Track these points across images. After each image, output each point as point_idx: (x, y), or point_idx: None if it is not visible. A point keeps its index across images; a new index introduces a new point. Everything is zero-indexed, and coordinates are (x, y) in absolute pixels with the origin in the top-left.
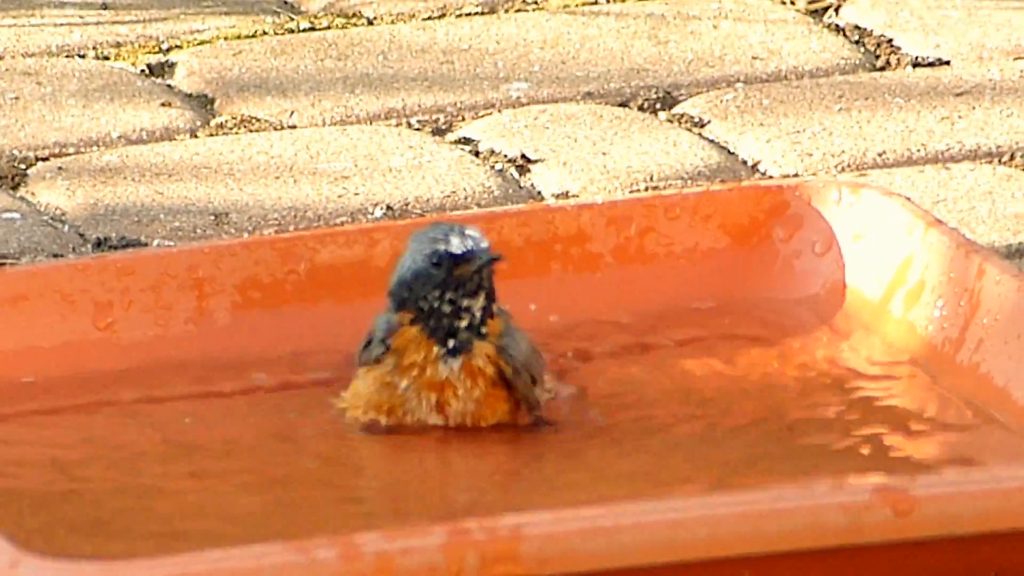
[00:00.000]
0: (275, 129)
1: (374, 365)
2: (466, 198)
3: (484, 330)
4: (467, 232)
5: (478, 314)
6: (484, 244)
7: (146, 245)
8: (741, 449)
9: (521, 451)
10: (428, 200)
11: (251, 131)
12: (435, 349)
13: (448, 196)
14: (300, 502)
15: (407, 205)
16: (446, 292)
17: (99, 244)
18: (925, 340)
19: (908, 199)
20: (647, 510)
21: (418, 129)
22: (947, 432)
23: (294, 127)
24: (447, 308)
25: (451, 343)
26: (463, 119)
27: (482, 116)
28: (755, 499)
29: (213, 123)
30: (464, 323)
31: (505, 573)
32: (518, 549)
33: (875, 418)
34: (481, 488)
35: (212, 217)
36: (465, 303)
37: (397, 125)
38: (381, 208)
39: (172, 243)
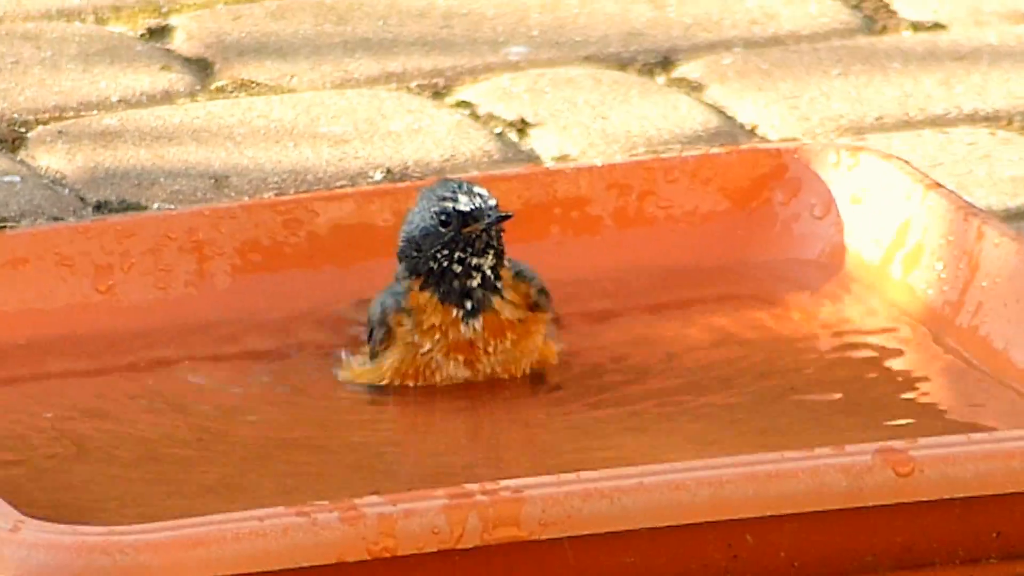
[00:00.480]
0: (274, 93)
1: (382, 351)
2: (465, 161)
3: (499, 284)
4: (475, 190)
5: (488, 272)
6: (492, 202)
7: (146, 208)
8: (742, 410)
9: (523, 414)
10: (427, 163)
11: (250, 95)
12: (453, 312)
13: (447, 159)
14: (304, 465)
15: (406, 168)
16: (455, 251)
17: (99, 207)
18: (924, 303)
19: (906, 162)
20: (648, 472)
21: (417, 92)
22: (947, 394)
23: (293, 91)
24: (457, 267)
25: (468, 304)
26: (462, 82)
27: (481, 80)
28: (756, 461)
29: (212, 86)
30: (476, 281)
31: (507, 536)
32: (520, 512)
33: (875, 380)
34: (482, 452)
35: (212, 180)
36: (475, 262)
37: (396, 88)
38: (381, 171)
39: (172, 206)
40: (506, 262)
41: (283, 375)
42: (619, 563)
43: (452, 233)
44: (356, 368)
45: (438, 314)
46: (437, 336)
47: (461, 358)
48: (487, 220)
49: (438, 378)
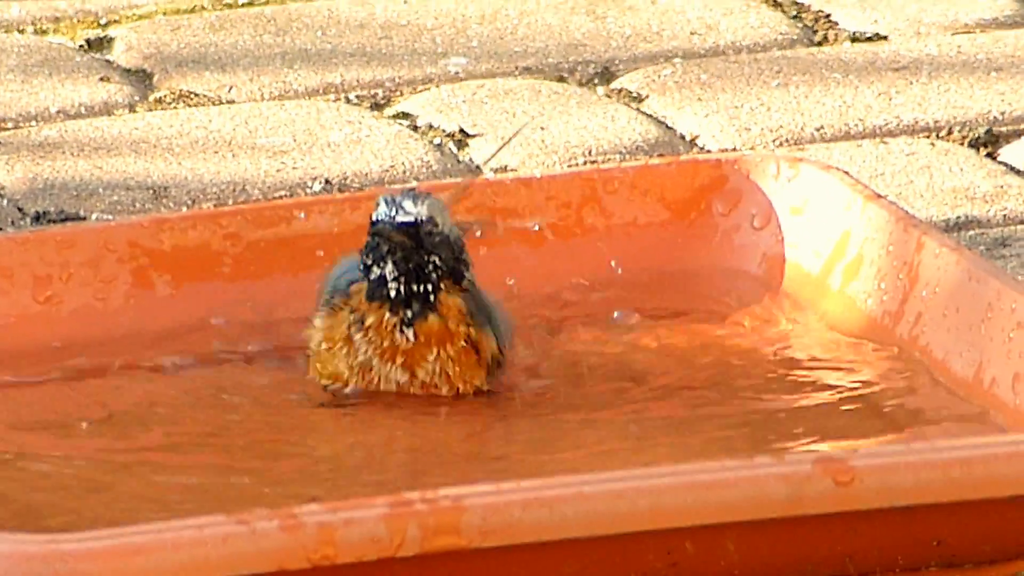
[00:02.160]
0: (213, 104)
1: (334, 310)
2: (405, 172)
3: (432, 299)
4: (403, 202)
5: (397, 281)
6: (401, 216)
7: (85, 219)
8: (681, 419)
9: (465, 423)
10: (367, 175)
11: (190, 106)
12: (386, 316)
13: (387, 170)
14: (243, 473)
15: (346, 179)
16: (365, 258)
17: (38, 218)
18: (864, 314)
19: (846, 173)
20: (588, 481)
21: (356, 104)
22: (886, 404)
23: (232, 102)
24: (372, 275)
25: (404, 313)
26: (401, 94)
27: (420, 91)
28: (696, 470)
29: (152, 98)
30: (394, 288)
31: (447, 545)
32: (459, 521)
33: (814, 390)
34: (424, 460)
35: (151, 192)
36: (376, 270)
37: (335, 100)
38: (320, 182)
39: (111, 217)
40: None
41: (222, 383)
42: (559, 572)
43: (367, 239)
44: (312, 341)
45: (374, 315)
46: (371, 336)
47: (394, 365)
48: (382, 231)
49: (375, 378)
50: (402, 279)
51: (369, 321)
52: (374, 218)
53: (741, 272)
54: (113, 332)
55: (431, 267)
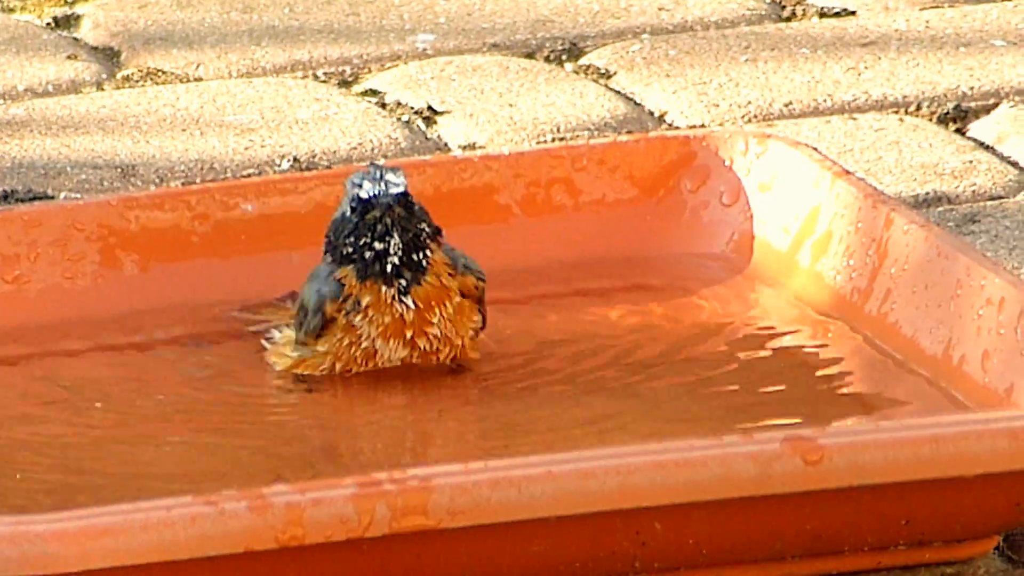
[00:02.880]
0: (181, 82)
1: (320, 334)
2: (373, 150)
3: (425, 264)
4: (384, 176)
5: (397, 254)
6: (393, 188)
7: (53, 198)
8: (650, 400)
9: (433, 401)
10: (335, 152)
11: (157, 84)
12: (383, 289)
13: (355, 148)
14: (210, 453)
15: (314, 157)
16: (361, 237)
17: (6, 197)
18: (833, 290)
19: (815, 149)
20: (557, 461)
21: (324, 81)
22: (856, 382)
23: (200, 79)
24: (368, 253)
25: (398, 283)
26: (369, 71)
27: (388, 68)
28: (664, 449)
29: (119, 76)
30: (394, 261)
31: (415, 525)
32: (428, 500)
33: (783, 368)
34: (393, 439)
35: (119, 170)
36: (379, 246)
37: (303, 77)
38: (288, 160)
39: (79, 196)
40: (432, 238)
41: (191, 364)
42: (528, 551)
43: (356, 219)
44: (291, 356)
45: (370, 294)
46: (372, 315)
47: (399, 340)
48: (382, 206)
49: (378, 361)
50: (402, 250)
51: (366, 300)
52: (364, 195)
53: (710, 249)
54: (81, 312)
55: (423, 234)
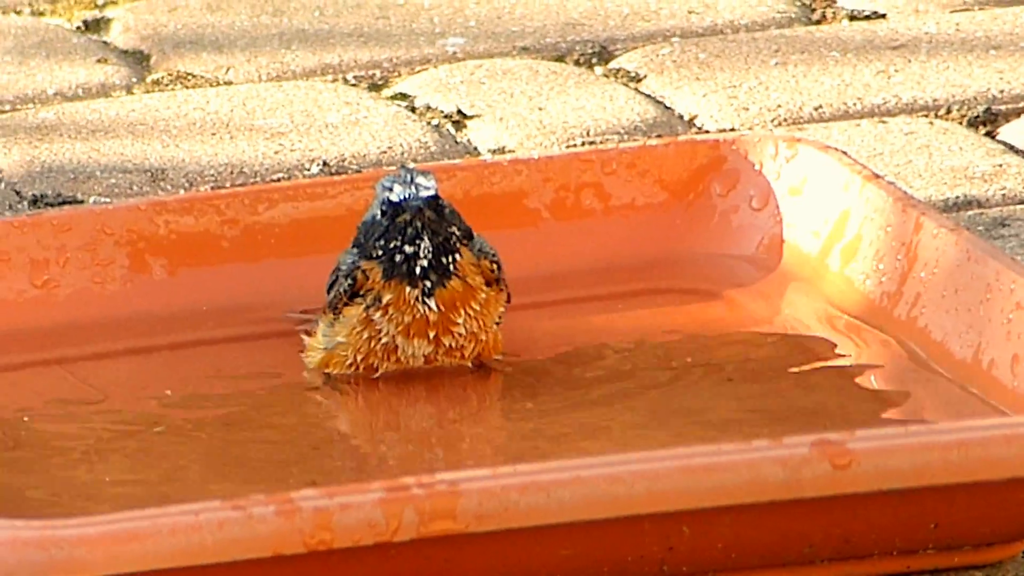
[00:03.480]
0: (211, 85)
1: (348, 304)
2: (403, 154)
3: (452, 268)
4: (415, 179)
5: (427, 257)
6: (424, 192)
7: (82, 202)
8: (680, 402)
9: (463, 403)
10: (364, 156)
11: (187, 87)
12: (407, 290)
13: (384, 152)
14: (240, 456)
15: (343, 161)
16: (391, 240)
17: (35, 202)
18: (863, 294)
19: (845, 153)
20: (585, 466)
21: (354, 85)
22: (885, 386)
23: (230, 83)
24: (398, 256)
25: (423, 284)
26: (399, 74)
27: (418, 71)
28: (693, 454)
29: (149, 79)
30: (422, 265)
31: (444, 529)
32: (456, 505)
33: (813, 372)
34: (422, 443)
35: (148, 174)
36: (408, 249)
37: (333, 81)
38: (317, 164)
39: (108, 200)
40: (462, 241)
41: (220, 367)
42: (556, 556)
43: (387, 222)
44: (320, 348)
45: (392, 293)
46: (392, 313)
47: (423, 339)
48: (412, 209)
49: (400, 357)
50: (432, 253)
51: (387, 298)
52: (395, 198)
53: (739, 253)
54: (110, 316)
55: (454, 237)
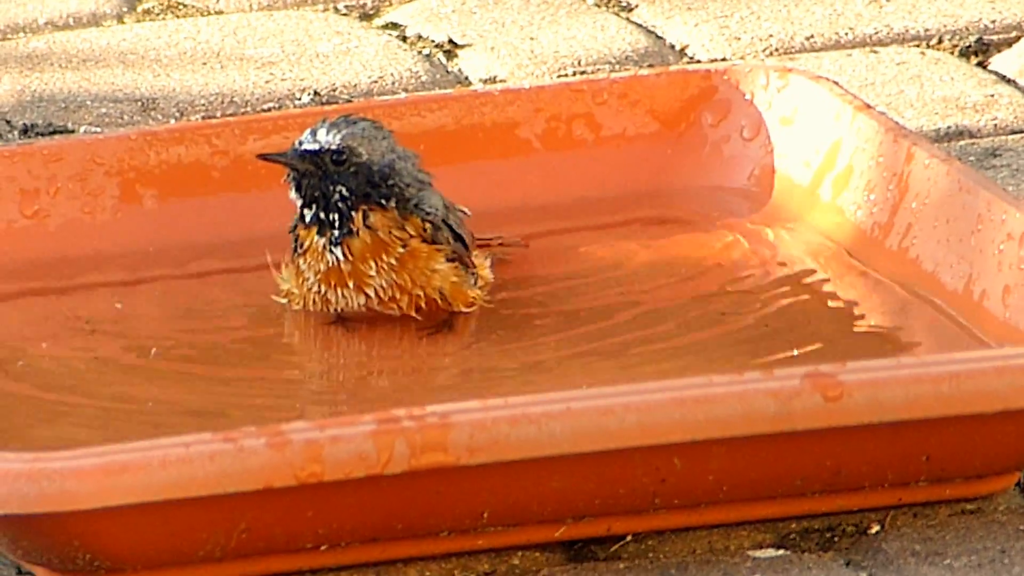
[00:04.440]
0: (202, 15)
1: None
2: (393, 83)
3: (341, 226)
4: (316, 131)
5: (309, 210)
6: (306, 144)
7: (73, 132)
8: (671, 334)
9: (449, 340)
10: (355, 86)
11: (178, 17)
12: (315, 238)
13: (375, 81)
14: (230, 387)
15: (334, 91)
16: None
17: (25, 131)
18: (854, 225)
19: (836, 83)
20: (576, 397)
21: (345, 14)
22: (876, 318)
23: (221, 13)
24: (308, 208)
25: (330, 233)
26: (390, 3)
27: (409, 0)
28: (684, 386)
29: (139, 9)
30: (322, 215)
31: (435, 462)
32: (447, 437)
33: (804, 303)
34: (409, 378)
35: (139, 104)
36: (292, 196)
37: (324, 10)
38: (308, 94)
39: (99, 130)
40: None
41: (210, 299)
42: (547, 488)
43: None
44: (281, 286)
45: (308, 240)
46: (309, 260)
47: (343, 287)
48: (284, 161)
49: (336, 306)
50: (310, 206)
51: (305, 244)
52: (285, 150)
53: (731, 183)
54: (100, 246)
55: (337, 196)
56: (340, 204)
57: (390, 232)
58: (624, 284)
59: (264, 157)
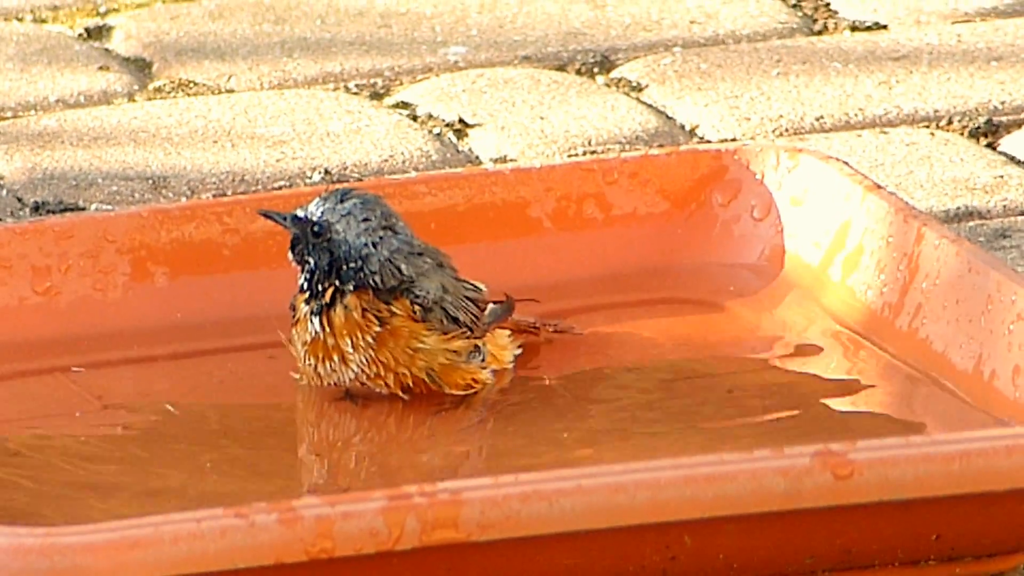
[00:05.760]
0: (213, 93)
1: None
2: (404, 162)
3: (325, 297)
4: (325, 205)
5: (302, 276)
6: (301, 210)
7: (84, 209)
8: (680, 412)
9: (459, 417)
10: (366, 164)
11: (189, 95)
12: (302, 306)
13: (386, 160)
14: (241, 465)
15: (345, 169)
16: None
17: (37, 208)
18: (864, 305)
19: (846, 164)
20: (587, 475)
21: (356, 93)
22: (886, 397)
23: (232, 91)
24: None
25: (314, 303)
26: (401, 83)
27: (420, 80)
28: (695, 463)
29: (151, 87)
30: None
31: (446, 538)
32: (458, 514)
33: (814, 383)
34: (420, 455)
35: (150, 182)
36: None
37: (335, 89)
38: (319, 173)
39: (110, 207)
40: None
41: (220, 376)
42: (558, 565)
43: None
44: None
45: (299, 306)
46: (298, 329)
47: (327, 361)
48: (279, 217)
49: (325, 380)
50: (303, 270)
51: (297, 313)
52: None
53: (741, 264)
54: (111, 324)
55: (317, 267)
56: (319, 275)
57: (364, 312)
58: (633, 362)
59: (265, 213)
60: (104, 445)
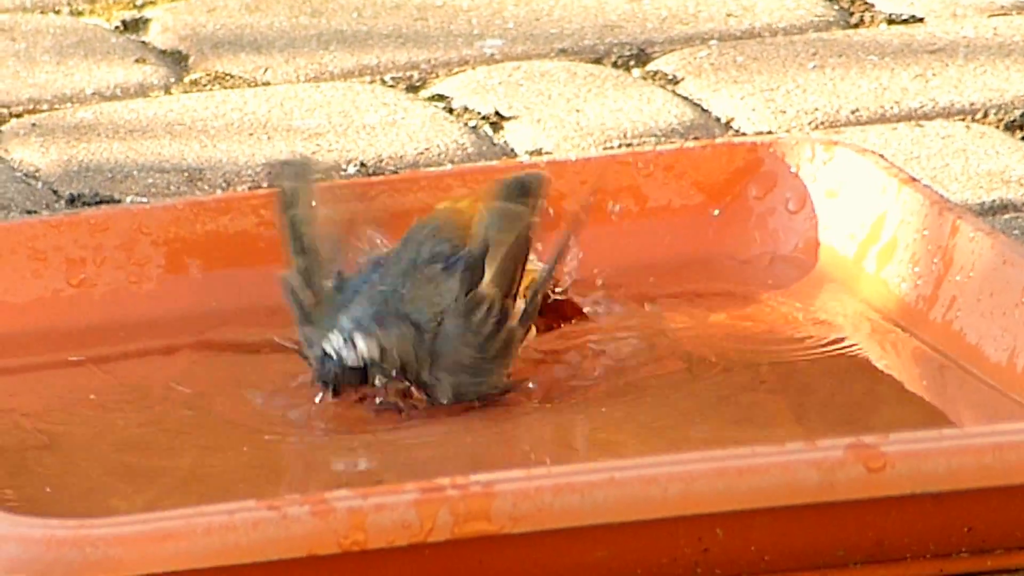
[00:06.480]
0: (249, 86)
1: None
2: (439, 155)
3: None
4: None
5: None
6: (351, 359)
7: (119, 202)
8: (714, 404)
9: (492, 411)
10: (401, 157)
11: (225, 88)
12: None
13: (421, 153)
14: (275, 458)
15: (380, 162)
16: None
17: (72, 201)
18: (898, 297)
19: (882, 156)
20: (620, 467)
21: (392, 86)
22: (919, 389)
23: (268, 84)
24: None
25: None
26: (437, 76)
27: (456, 73)
28: (728, 456)
29: (187, 80)
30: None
31: (478, 530)
32: (490, 506)
33: (847, 375)
34: (451, 449)
35: (185, 174)
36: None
37: (371, 82)
38: (355, 165)
39: (145, 200)
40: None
41: (255, 368)
42: (590, 557)
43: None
44: None
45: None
46: None
47: None
48: (325, 372)
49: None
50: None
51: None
52: (323, 351)
53: (776, 256)
54: (146, 316)
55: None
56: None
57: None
58: (667, 355)
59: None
60: (137, 436)
